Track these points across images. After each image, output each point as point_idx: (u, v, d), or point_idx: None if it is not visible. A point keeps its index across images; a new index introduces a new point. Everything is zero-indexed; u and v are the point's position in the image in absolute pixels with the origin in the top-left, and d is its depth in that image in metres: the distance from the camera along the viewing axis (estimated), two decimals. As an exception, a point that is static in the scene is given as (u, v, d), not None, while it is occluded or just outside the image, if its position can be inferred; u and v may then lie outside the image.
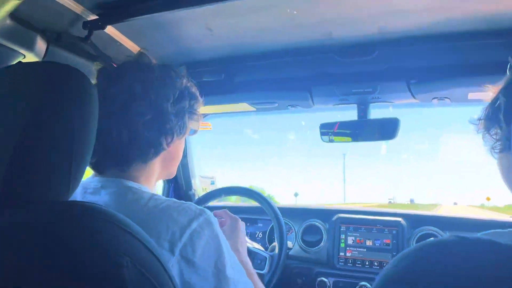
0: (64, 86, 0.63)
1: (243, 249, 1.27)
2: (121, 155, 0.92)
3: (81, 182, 0.78)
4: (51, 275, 0.50)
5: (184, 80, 1.03)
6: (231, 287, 0.84)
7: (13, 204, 0.58)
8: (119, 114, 0.89)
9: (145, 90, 0.92)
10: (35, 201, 0.58)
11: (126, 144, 0.91)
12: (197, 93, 1.07)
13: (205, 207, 1.67)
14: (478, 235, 0.58)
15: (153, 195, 0.91)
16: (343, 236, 1.82)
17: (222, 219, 1.33)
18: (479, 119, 0.78)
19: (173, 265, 0.79)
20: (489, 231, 0.62)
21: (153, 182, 1.02)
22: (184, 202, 0.89)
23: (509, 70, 0.81)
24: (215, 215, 1.39)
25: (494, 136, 0.73)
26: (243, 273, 0.92)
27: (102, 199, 0.89)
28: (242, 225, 1.34)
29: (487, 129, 0.74)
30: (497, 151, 0.71)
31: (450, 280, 0.47)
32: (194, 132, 1.13)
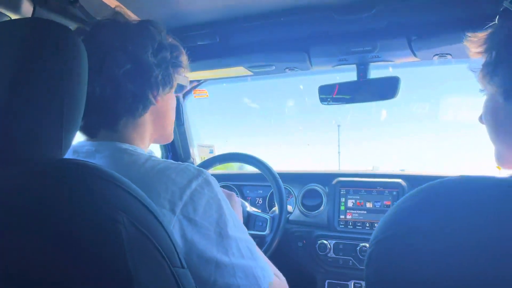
0: (50, 41, 0.61)
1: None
2: (108, 112, 0.91)
3: (72, 146, 0.76)
4: (46, 233, 0.48)
5: (164, 33, 1.00)
6: (233, 245, 0.85)
7: (4, 164, 0.56)
8: (99, 69, 0.87)
9: (121, 42, 0.90)
10: (26, 160, 0.57)
11: (111, 99, 0.89)
12: (180, 46, 1.05)
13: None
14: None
15: (150, 156, 0.89)
16: (343, 199, 1.83)
17: None
18: (483, 65, 0.76)
19: (175, 224, 0.79)
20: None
21: (147, 143, 1.01)
22: (182, 163, 0.88)
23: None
24: None
25: (499, 82, 0.71)
26: (244, 231, 0.92)
27: (97, 162, 0.87)
28: (238, 200, 1.34)
29: (494, 74, 0.72)
30: (504, 97, 0.70)
31: (457, 216, 0.47)
32: (183, 88, 1.11)
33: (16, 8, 1.03)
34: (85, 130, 0.94)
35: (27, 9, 1.06)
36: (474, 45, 0.79)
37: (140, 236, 0.54)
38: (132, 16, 1.40)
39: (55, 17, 1.16)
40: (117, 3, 1.33)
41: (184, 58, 1.05)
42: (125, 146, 0.91)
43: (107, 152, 0.89)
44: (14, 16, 1.02)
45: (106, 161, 0.87)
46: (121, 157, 0.87)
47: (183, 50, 1.05)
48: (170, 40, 1.02)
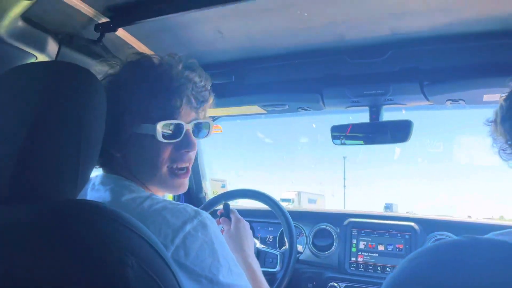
0: (73, 85, 0.64)
1: (250, 250, 1.26)
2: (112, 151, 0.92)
3: (91, 178, 0.77)
4: (55, 273, 0.49)
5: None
6: None
7: (20, 201, 0.58)
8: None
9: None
10: (42, 198, 0.58)
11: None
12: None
13: (213, 210, 1.67)
14: (490, 235, 0.57)
15: (151, 194, 0.89)
16: (354, 241, 1.80)
17: (222, 228, 1.34)
18: (494, 120, 0.77)
19: None
20: (502, 230, 0.60)
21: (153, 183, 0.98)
22: (180, 203, 0.87)
23: None
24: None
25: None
26: (242, 277, 0.88)
27: (101, 195, 0.88)
28: (246, 225, 1.33)
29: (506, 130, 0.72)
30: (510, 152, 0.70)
31: (463, 280, 0.46)
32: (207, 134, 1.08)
33: (42, 46, 1.08)
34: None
35: (53, 48, 1.11)
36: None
37: (148, 279, 0.54)
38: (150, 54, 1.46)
39: (78, 55, 1.21)
40: (136, 41, 1.39)
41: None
42: (128, 182, 0.91)
43: (110, 186, 0.89)
44: (40, 55, 1.08)
45: (107, 195, 0.88)
46: (121, 193, 0.87)
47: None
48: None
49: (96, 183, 0.93)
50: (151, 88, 0.91)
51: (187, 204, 0.87)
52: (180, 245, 0.79)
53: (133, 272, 0.52)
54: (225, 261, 0.84)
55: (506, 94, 0.78)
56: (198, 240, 0.81)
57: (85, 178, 0.64)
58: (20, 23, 0.98)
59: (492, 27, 1.17)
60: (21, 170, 0.58)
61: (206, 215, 0.86)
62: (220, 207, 1.86)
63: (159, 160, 0.93)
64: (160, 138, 0.90)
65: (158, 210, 0.83)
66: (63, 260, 0.50)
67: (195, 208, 0.87)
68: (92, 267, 0.51)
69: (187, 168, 0.99)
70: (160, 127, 0.89)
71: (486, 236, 0.60)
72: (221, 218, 1.42)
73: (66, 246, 0.52)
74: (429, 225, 1.73)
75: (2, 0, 0.84)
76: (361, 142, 1.57)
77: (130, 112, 0.90)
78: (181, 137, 0.94)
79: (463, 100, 1.38)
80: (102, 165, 0.96)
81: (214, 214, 1.53)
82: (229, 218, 1.38)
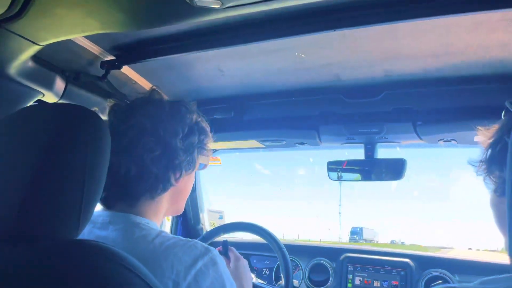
0: (78, 127, 0.66)
1: (248, 286, 1.26)
2: (129, 190, 0.93)
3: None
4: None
5: (195, 116, 1.03)
6: None
7: (24, 240, 0.59)
8: (128, 150, 0.90)
9: (154, 125, 0.93)
10: (44, 238, 0.60)
11: (134, 179, 0.91)
12: (208, 128, 1.06)
13: (212, 242, 1.67)
14: (475, 283, 0.59)
15: (161, 232, 0.90)
16: (350, 276, 1.80)
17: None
18: (480, 161, 0.78)
19: None
20: (488, 277, 0.62)
21: (161, 218, 1.02)
22: (190, 240, 0.89)
23: (504, 116, 0.82)
24: None
25: (495, 179, 0.73)
26: None
27: (110, 234, 0.89)
28: (245, 263, 1.32)
29: (489, 171, 0.74)
30: (498, 194, 0.71)
31: None
32: (204, 166, 1.11)
33: (50, 84, 1.11)
34: (104, 202, 0.97)
35: (60, 85, 1.15)
36: (483, 137, 0.80)
37: None
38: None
39: (84, 92, 1.25)
40: (140, 77, 1.43)
41: (209, 141, 1.07)
42: (139, 219, 0.92)
43: (120, 225, 0.90)
44: (47, 92, 1.11)
45: (117, 234, 0.89)
46: (132, 231, 0.89)
47: (209, 133, 1.07)
48: (199, 120, 1.04)
49: (101, 222, 0.93)
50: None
51: (196, 241, 0.89)
52: (192, 282, 0.81)
53: None
54: None
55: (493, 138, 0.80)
56: (209, 277, 0.83)
57: (87, 219, 0.66)
58: (30, 63, 1.02)
59: (481, 72, 1.22)
60: (26, 210, 0.60)
61: (215, 252, 0.88)
62: (217, 239, 1.86)
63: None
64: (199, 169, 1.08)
65: (169, 246, 0.84)
66: None
67: (205, 245, 0.89)
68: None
69: None
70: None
71: (475, 283, 0.62)
72: None
73: (66, 287, 0.53)
74: (425, 262, 1.74)
75: (16, 44, 0.88)
76: (357, 178, 1.60)
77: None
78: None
79: (455, 140, 1.42)
80: (117, 207, 0.96)
81: (212, 246, 1.53)
82: (228, 257, 1.36)
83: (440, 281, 1.63)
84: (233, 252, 1.36)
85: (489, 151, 0.76)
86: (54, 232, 0.61)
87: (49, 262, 0.56)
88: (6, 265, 0.56)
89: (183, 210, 1.11)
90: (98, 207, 1.00)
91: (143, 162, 0.91)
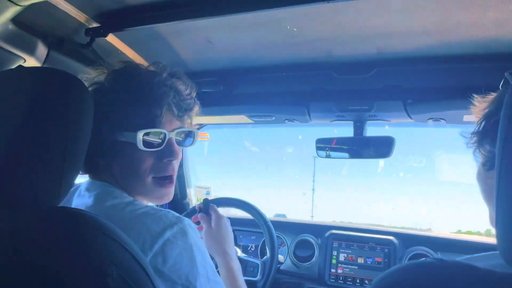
0: (61, 92, 0.64)
1: (231, 250, 1.23)
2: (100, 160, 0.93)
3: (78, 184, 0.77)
4: (34, 280, 0.50)
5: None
6: None
7: (3, 207, 0.58)
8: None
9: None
10: (25, 205, 0.59)
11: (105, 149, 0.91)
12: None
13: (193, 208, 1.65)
14: (459, 259, 0.59)
15: (133, 201, 0.89)
16: (335, 253, 1.82)
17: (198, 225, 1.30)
18: (472, 133, 0.78)
19: None
20: (471, 255, 0.62)
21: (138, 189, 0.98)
22: (162, 209, 0.86)
23: (502, 86, 0.81)
24: (194, 220, 1.35)
25: (485, 153, 0.72)
26: (219, 285, 0.89)
27: (85, 201, 0.88)
28: (227, 222, 1.28)
29: (480, 144, 0.73)
30: (486, 168, 0.71)
31: None
32: (192, 142, 1.08)
33: (31, 50, 1.08)
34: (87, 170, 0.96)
35: (42, 52, 1.11)
36: (477, 108, 0.79)
37: None
38: (139, 60, 1.46)
39: (67, 59, 1.21)
40: (126, 47, 1.39)
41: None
42: (113, 188, 0.91)
43: (95, 192, 0.89)
44: (29, 57, 1.07)
45: (90, 201, 0.87)
46: (105, 199, 0.87)
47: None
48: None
49: (82, 189, 0.93)
50: (132, 96, 0.91)
51: (169, 210, 0.87)
52: (159, 251, 0.79)
53: (114, 282, 0.53)
54: (204, 270, 0.84)
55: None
56: (177, 248, 0.81)
57: (69, 185, 0.65)
58: (10, 26, 0.98)
59: (473, 50, 1.21)
60: (5, 176, 0.58)
61: (187, 222, 0.86)
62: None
63: (142, 169, 0.93)
64: (140, 146, 0.89)
65: (139, 215, 0.82)
66: (40, 271, 0.51)
67: (177, 214, 0.86)
68: (73, 276, 0.51)
69: (171, 177, 0.98)
70: (141, 136, 0.89)
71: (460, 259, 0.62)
72: (199, 214, 1.35)
73: (48, 254, 0.52)
74: (408, 240, 1.77)
75: (-6, 4, 0.84)
76: (346, 155, 1.60)
77: (112, 120, 0.89)
78: (163, 146, 0.93)
79: (444, 120, 1.42)
80: (87, 171, 0.96)
81: (194, 212, 1.51)
82: (209, 214, 1.32)
83: (423, 258, 1.66)
84: (214, 210, 1.32)
85: (483, 123, 0.75)
86: (34, 199, 0.60)
87: (29, 229, 0.55)
88: None
89: None
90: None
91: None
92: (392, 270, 0.55)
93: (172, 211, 0.87)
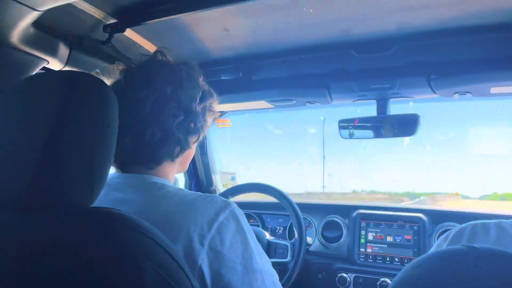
0: (84, 94, 0.66)
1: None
2: (152, 154, 0.95)
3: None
4: (70, 279, 0.52)
5: (201, 78, 1.05)
6: (258, 278, 0.86)
7: (37, 210, 0.60)
8: (152, 116, 0.92)
9: (175, 91, 0.95)
10: (58, 207, 0.61)
11: (158, 144, 0.94)
12: (213, 91, 1.09)
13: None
14: (491, 223, 0.58)
15: (179, 189, 0.93)
16: (363, 232, 1.82)
17: None
18: None
19: (203, 257, 0.81)
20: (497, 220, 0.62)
21: (173, 178, 1.04)
22: (209, 194, 0.91)
23: None
24: None
25: None
26: (269, 264, 0.93)
27: (128, 196, 0.90)
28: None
29: None
30: None
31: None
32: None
33: (54, 51, 1.10)
34: (120, 166, 0.98)
35: (64, 52, 1.13)
36: None
37: (164, 283, 0.56)
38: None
39: (88, 57, 1.23)
40: (144, 40, 1.40)
41: (216, 103, 1.10)
42: (154, 179, 0.94)
43: (138, 186, 0.92)
44: (51, 59, 1.10)
45: (137, 195, 0.90)
46: (151, 190, 0.91)
47: (215, 95, 1.09)
48: (204, 84, 1.06)
49: (113, 184, 0.94)
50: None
51: (214, 195, 0.92)
52: (216, 234, 0.83)
53: (150, 277, 0.54)
54: (255, 249, 0.89)
55: None
56: (231, 229, 0.86)
57: (101, 185, 0.67)
58: (32, 30, 1.00)
59: (497, 19, 1.16)
60: (37, 179, 0.61)
61: (235, 205, 0.91)
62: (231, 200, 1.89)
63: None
64: None
65: (190, 202, 0.87)
66: (79, 268, 0.53)
67: (223, 198, 0.91)
68: (109, 272, 0.53)
69: None
70: None
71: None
72: None
73: (83, 253, 0.54)
74: (437, 216, 1.75)
75: (14, 11, 0.86)
76: (370, 134, 1.58)
77: None
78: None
79: (470, 93, 1.37)
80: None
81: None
82: None
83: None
84: None
85: None
86: (67, 201, 0.62)
87: (65, 231, 0.57)
88: (22, 235, 0.57)
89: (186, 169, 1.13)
90: (112, 171, 1.01)
91: (169, 127, 0.94)
92: (424, 258, 0.55)
93: (217, 196, 0.92)
